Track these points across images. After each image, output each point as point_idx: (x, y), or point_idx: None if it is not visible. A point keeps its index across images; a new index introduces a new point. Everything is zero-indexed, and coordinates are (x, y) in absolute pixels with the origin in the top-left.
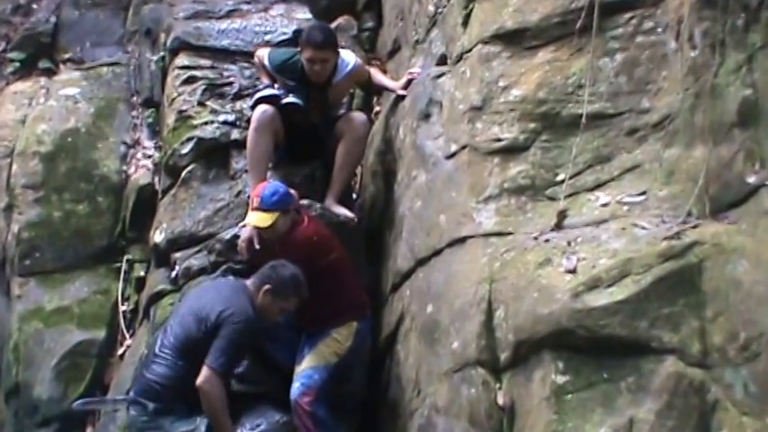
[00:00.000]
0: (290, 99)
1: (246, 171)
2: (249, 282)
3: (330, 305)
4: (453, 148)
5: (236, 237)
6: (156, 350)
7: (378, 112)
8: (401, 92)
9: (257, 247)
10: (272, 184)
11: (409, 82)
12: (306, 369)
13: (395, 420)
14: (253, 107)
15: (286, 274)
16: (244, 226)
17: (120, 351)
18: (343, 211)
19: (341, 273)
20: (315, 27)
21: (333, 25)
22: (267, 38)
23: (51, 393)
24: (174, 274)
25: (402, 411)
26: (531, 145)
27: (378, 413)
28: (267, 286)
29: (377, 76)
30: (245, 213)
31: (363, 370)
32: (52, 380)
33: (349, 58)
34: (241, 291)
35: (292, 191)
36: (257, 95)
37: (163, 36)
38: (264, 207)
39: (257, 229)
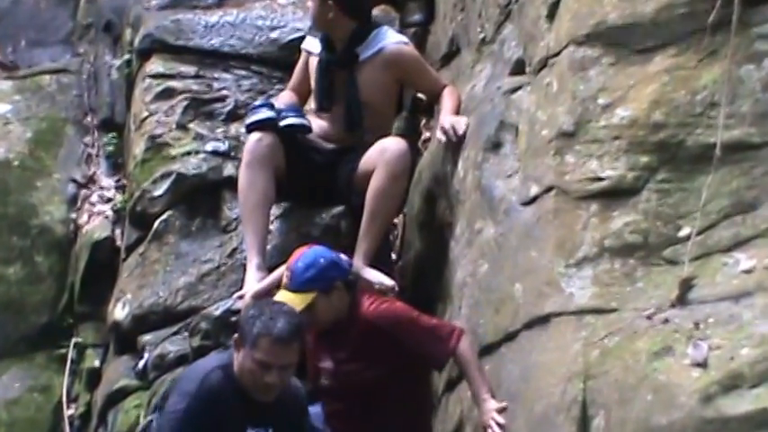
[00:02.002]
0: (291, 120)
1: None
2: None
3: (406, 423)
4: (534, 190)
5: (231, 312)
6: None
7: (427, 140)
8: (439, 135)
9: None
10: (311, 252)
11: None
12: None
13: None
14: (248, 132)
15: (248, 310)
16: (241, 297)
17: None
18: (378, 278)
19: (421, 368)
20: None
21: None
22: (273, 35)
23: None
24: (141, 364)
25: None
26: (644, 187)
27: None
28: (234, 336)
29: (451, 96)
30: (243, 279)
31: None
32: None
33: (389, 34)
34: (216, 359)
35: (344, 256)
36: (248, 119)
37: (129, 32)
38: (294, 286)
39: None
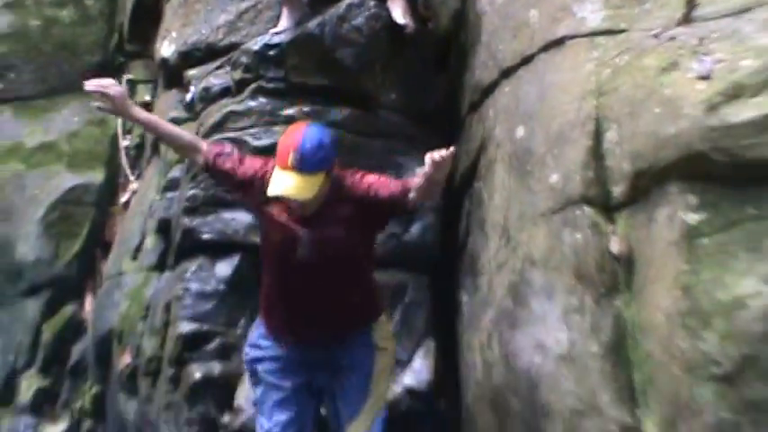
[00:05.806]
0: None
1: None
2: None
3: (369, 288)
4: None
5: (268, 47)
6: None
7: None
8: None
9: None
10: (315, 131)
11: None
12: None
13: (477, 277)
14: None
15: None
16: (277, 33)
17: (124, 198)
18: (399, 15)
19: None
20: None
21: None
22: None
23: (39, 254)
24: (189, 97)
25: (486, 266)
26: None
27: (455, 269)
28: None
29: None
30: (279, 16)
31: (432, 222)
32: (39, 236)
33: None
34: None
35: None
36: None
37: None
38: (307, 168)
39: (295, 201)
